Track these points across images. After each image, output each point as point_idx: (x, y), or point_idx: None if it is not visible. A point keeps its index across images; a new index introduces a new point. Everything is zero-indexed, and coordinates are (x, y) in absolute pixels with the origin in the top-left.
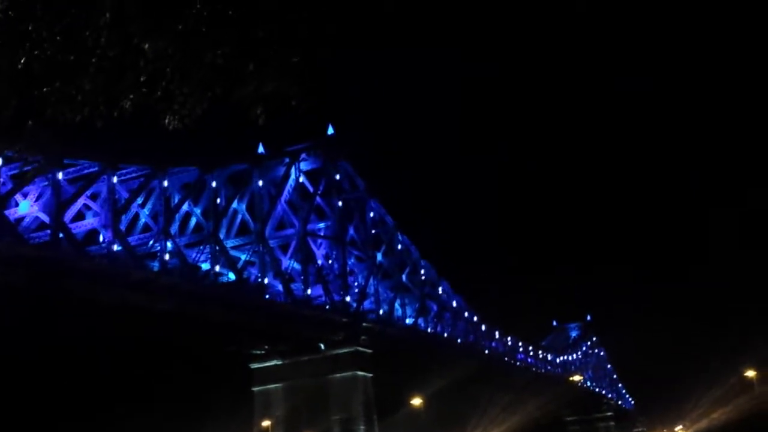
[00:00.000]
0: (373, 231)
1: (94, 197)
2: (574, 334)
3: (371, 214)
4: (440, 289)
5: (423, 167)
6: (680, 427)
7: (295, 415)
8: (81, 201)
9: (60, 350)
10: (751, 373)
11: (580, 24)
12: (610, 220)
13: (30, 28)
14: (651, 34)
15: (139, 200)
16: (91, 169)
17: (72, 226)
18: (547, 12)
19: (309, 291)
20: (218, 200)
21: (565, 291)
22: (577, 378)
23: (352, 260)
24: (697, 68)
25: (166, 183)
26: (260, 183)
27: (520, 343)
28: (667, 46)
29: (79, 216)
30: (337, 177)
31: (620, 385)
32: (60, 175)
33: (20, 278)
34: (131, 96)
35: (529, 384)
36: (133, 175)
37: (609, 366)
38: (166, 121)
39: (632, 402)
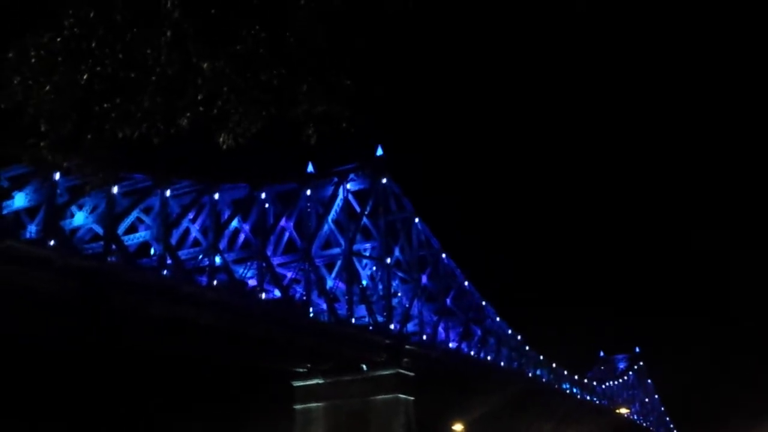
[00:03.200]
0: (419, 253)
1: (147, 211)
2: (621, 365)
3: (417, 236)
4: (485, 314)
5: (472, 190)
6: None
7: None
8: (134, 214)
9: (107, 360)
10: None
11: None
12: (664, 254)
13: (93, 45)
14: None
15: (191, 215)
16: (145, 184)
17: (125, 238)
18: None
19: (353, 311)
20: (267, 217)
21: (614, 322)
22: (623, 410)
23: (397, 282)
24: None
25: (217, 197)
26: (308, 202)
27: (564, 372)
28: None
29: (132, 229)
30: (384, 198)
31: (668, 419)
32: (115, 189)
33: (72, 288)
34: (188, 114)
35: (571, 413)
36: (186, 190)
37: (657, 399)
38: (221, 139)
39: None
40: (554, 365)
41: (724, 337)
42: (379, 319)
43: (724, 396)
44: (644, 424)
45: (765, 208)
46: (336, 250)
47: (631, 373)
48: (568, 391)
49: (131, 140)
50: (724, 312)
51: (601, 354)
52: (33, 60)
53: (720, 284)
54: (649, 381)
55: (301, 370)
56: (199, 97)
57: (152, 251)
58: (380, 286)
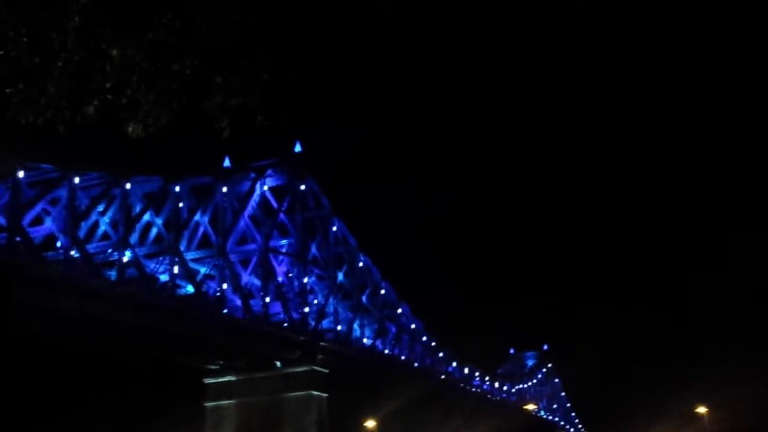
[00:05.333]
0: (336, 250)
1: (53, 202)
2: (530, 362)
3: (334, 233)
4: (399, 311)
5: (389, 189)
6: None
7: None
8: (40, 205)
9: (9, 356)
10: (701, 410)
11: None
12: (571, 250)
13: None
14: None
15: (100, 208)
16: (52, 174)
17: (30, 230)
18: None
19: (268, 307)
20: (181, 211)
21: (523, 320)
22: (531, 407)
23: (313, 279)
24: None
25: (128, 189)
26: (224, 196)
27: (476, 373)
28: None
29: (38, 221)
30: (302, 194)
31: (573, 414)
32: (21, 176)
33: None
34: (95, 102)
35: (479, 408)
36: (95, 182)
37: (563, 395)
38: (130, 129)
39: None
40: (465, 362)
41: (629, 333)
42: (294, 315)
43: (627, 394)
44: (551, 420)
45: (681, 204)
46: (252, 246)
47: (539, 370)
48: (478, 388)
49: (36, 127)
50: (633, 312)
51: (511, 351)
52: None
53: (631, 281)
54: (556, 380)
55: (213, 367)
56: (107, 85)
57: (59, 244)
58: (296, 283)
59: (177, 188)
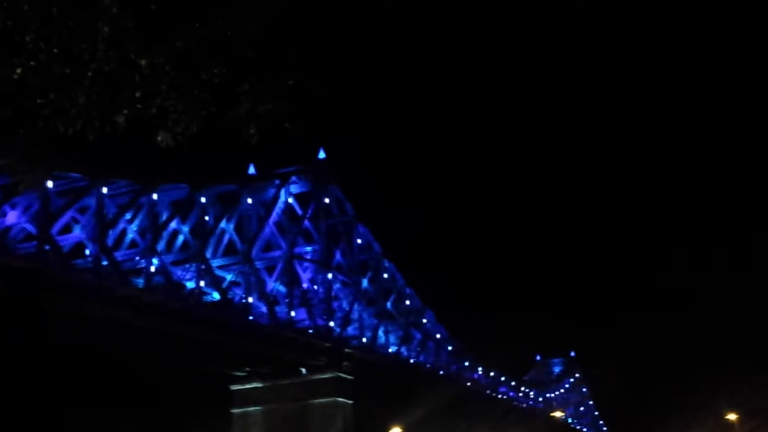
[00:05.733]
0: (360, 257)
1: (82, 211)
2: (557, 369)
3: (358, 240)
4: (424, 318)
5: (414, 195)
6: None
7: None
8: (69, 214)
9: (39, 362)
10: (732, 417)
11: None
12: (598, 258)
13: (27, 39)
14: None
15: (128, 216)
16: (81, 183)
17: (59, 238)
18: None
19: (293, 314)
20: (206, 219)
21: (550, 326)
22: (558, 414)
23: (338, 285)
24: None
25: (155, 197)
26: (249, 204)
27: (502, 378)
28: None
29: (67, 229)
30: (326, 201)
31: (601, 422)
32: (50, 186)
33: (2, 288)
34: (125, 111)
35: (506, 415)
36: (123, 190)
37: (591, 403)
38: (159, 138)
39: None
40: (491, 369)
41: (657, 341)
42: (319, 322)
43: (656, 402)
44: (579, 428)
45: (702, 209)
46: (277, 253)
47: (566, 377)
48: (504, 395)
49: (66, 137)
50: (662, 317)
51: (538, 358)
52: None
53: (657, 291)
54: (583, 388)
55: (239, 373)
56: (136, 95)
57: (87, 252)
58: (321, 290)
59: (203, 196)
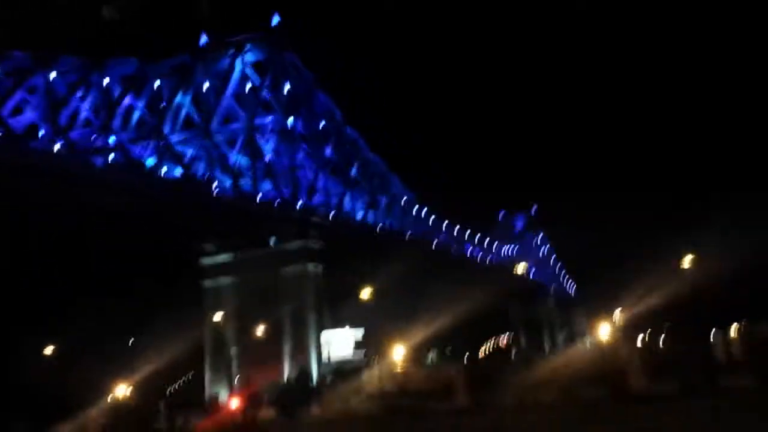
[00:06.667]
0: (322, 124)
1: (31, 91)
2: (519, 225)
3: (319, 108)
4: (390, 183)
5: (372, 56)
6: (618, 309)
7: (247, 308)
8: (18, 95)
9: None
10: (687, 258)
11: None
12: (558, 111)
13: None
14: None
15: (79, 94)
16: (28, 62)
17: (10, 121)
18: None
19: (258, 186)
20: (161, 93)
21: (512, 181)
22: (521, 266)
23: (301, 155)
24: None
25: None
26: (204, 75)
27: (467, 233)
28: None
29: (18, 110)
30: (284, 68)
31: (562, 273)
32: None
33: None
34: None
35: (475, 274)
36: (72, 67)
37: (553, 256)
38: (104, 11)
39: (574, 289)
40: (457, 228)
41: (615, 189)
42: (285, 192)
43: (615, 247)
44: (541, 281)
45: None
46: (237, 125)
47: (528, 232)
48: (471, 253)
49: (11, 15)
50: (621, 170)
51: (501, 214)
52: None
53: (617, 150)
54: (544, 239)
55: (209, 247)
56: None
57: (41, 133)
58: (284, 160)
59: (154, 70)
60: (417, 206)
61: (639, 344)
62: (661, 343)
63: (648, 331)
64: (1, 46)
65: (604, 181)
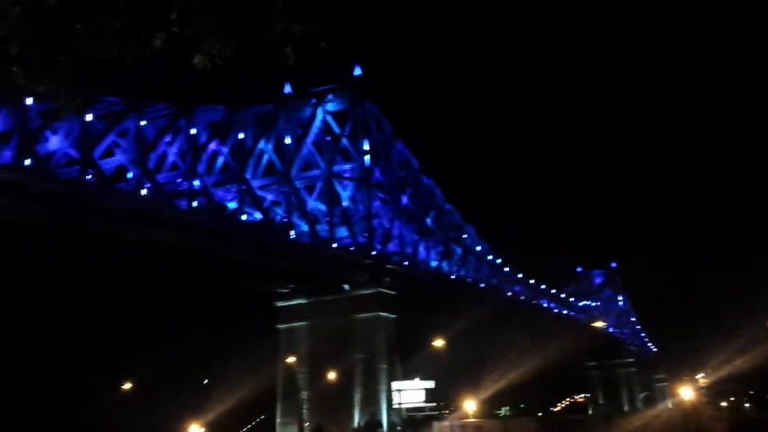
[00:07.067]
0: (399, 174)
1: (122, 134)
2: (598, 280)
3: (397, 157)
4: (465, 233)
5: (451, 110)
6: (702, 375)
7: (319, 353)
8: (110, 138)
9: (85, 286)
10: None
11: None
12: (638, 168)
13: None
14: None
15: (167, 138)
16: (120, 107)
17: (101, 162)
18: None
19: (334, 232)
20: (245, 140)
21: (591, 238)
22: (599, 324)
23: (377, 203)
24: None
25: (193, 119)
26: (287, 123)
27: (542, 287)
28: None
29: (108, 153)
30: (364, 119)
31: (642, 333)
32: (89, 114)
33: (46, 213)
34: (161, 34)
35: (549, 328)
36: (161, 113)
37: (632, 313)
38: (196, 60)
39: (654, 350)
40: (532, 281)
41: (698, 248)
42: (360, 239)
43: (695, 311)
44: (619, 336)
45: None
46: (316, 172)
47: (607, 288)
48: (545, 306)
49: (104, 62)
50: (699, 228)
51: (579, 269)
52: None
53: (698, 200)
54: (624, 295)
55: (283, 290)
56: (172, 17)
57: (129, 175)
58: (361, 207)
59: (240, 117)
60: (491, 257)
61: (724, 407)
62: (746, 407)
63: (733, 396)
64: (96, 91)
65: (689, 237)
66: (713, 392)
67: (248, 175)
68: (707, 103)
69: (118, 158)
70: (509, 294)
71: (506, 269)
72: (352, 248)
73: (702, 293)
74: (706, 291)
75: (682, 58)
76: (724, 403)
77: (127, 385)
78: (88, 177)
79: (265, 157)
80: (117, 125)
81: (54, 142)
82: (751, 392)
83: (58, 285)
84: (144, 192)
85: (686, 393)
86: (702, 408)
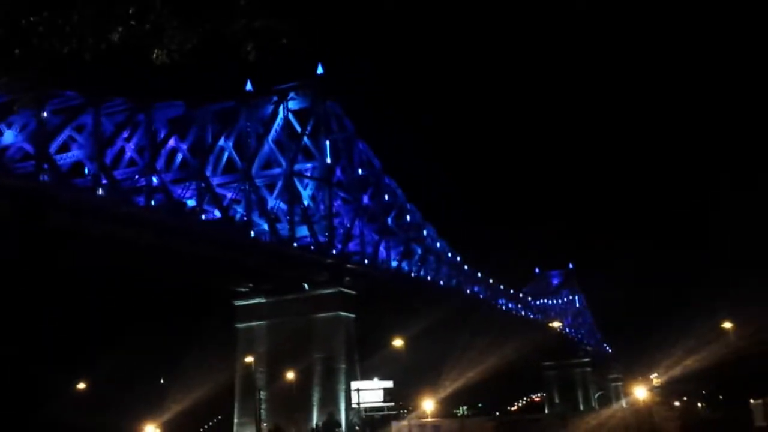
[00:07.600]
0: (360, 173)
1: (79, 129)
2: (555, 281)
3: (358, 156)
4: (425, 233)
5: (413, 110)
6: (655, 374)
7: (278, 352)
8: (66, 132)
9: (44, 282)
10: (727, 325)
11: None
12: (596, 171)
13: None
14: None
15: (125, 134)
16: (77, 101)
17: (57, 157)
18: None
19: (294, 231)
20: (205, 137)
21: (548, 239)
22: (556, 324)
23: (339, 202)
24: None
25: (152, 114)
26: (247, 121)
27: (501, 287)
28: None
29: (64, 148)
30: (325, 117)
31: (598, 333)
32: (45, 107)
33: (3, 208)
34: (120, 28)
35: (507, 328)
36: (119, 108)
37: (588, 314)
38: (154, 55)
39: (609, 349)
40: (491, 281)
41: (654, 252)
42: (321, 239)
43: (651, 311)
44: (575, 336)
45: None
46: (277, 170)
47: (564, 288)
48: (503, 306)
49: (61, 56)
50: (656, 230)
51: (536, 270)
52: None
53: (655, 202)
54: (580, 296)
55: (243, 289)
56: (130, 11)
57: (86, 171)
58: (322, 206)
59: (200, 114)
60: (451, 258)
61: (677, 406)
62: (699, 407)
63: (686, 396)
64: (51, 85)
65: (643, 240)
66: (667, 392)
67: (208, 173)
68: (664, 106)
69: (75, 153)
70: (468, 293)
71: (465, 268)
72: (312, 247)
73: (657, 294)
74: (660, 292)
75: (654, 57)
76: (677, 403)
77: (81, 385)
78: (43, 174)
79: (225, 155)
80: (73, 120)
81: (8, 137)
82: (704, 392)
83: (10, 281)
84: (101, 188)
85: (640, 393)
86: (655, 408)
